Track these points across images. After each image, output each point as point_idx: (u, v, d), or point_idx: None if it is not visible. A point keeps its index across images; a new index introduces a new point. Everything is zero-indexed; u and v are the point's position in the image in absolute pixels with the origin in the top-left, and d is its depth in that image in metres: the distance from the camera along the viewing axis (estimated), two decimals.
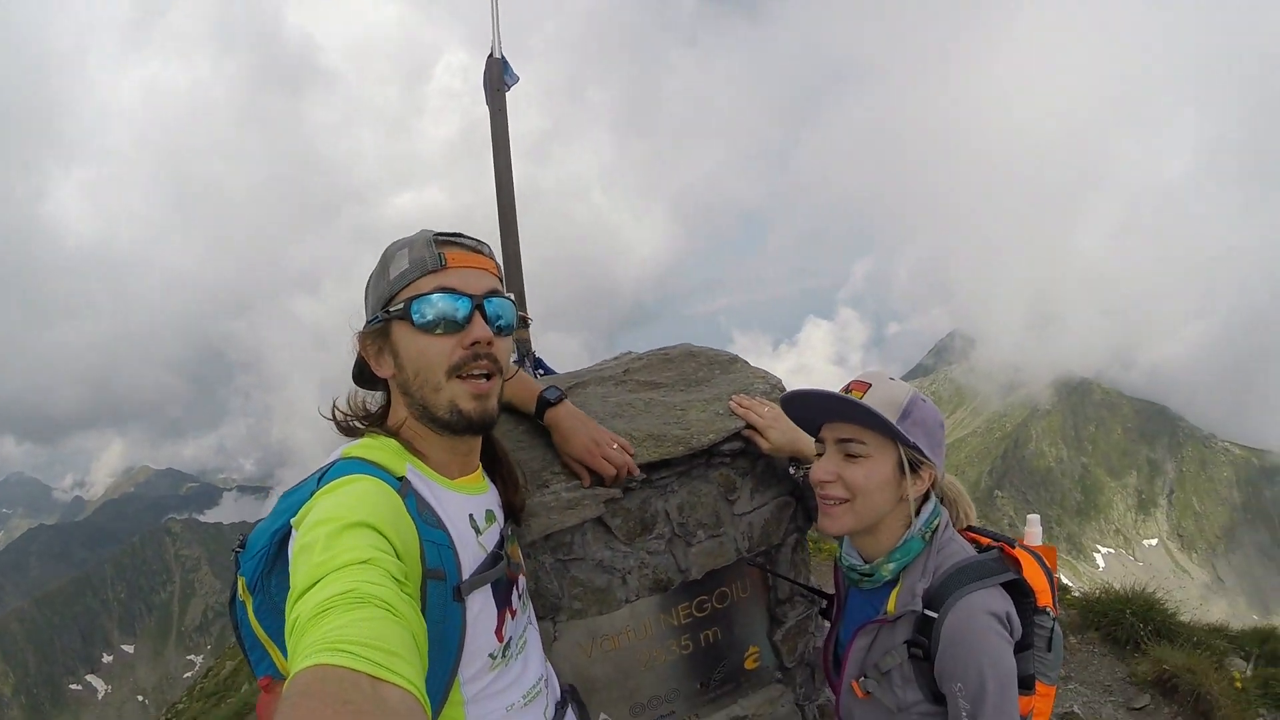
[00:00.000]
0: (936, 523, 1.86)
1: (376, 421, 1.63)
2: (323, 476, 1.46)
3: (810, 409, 1.87)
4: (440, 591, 1.43)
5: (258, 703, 1.69)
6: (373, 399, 1.70)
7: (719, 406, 2.43)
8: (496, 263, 1.68)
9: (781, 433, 2.34)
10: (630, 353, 2.90)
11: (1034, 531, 2.24)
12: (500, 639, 1.58)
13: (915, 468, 1.82)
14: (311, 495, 1.40)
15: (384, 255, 1.62)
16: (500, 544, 1.66)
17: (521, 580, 1.75)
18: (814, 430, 1.90)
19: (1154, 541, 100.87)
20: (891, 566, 1.83)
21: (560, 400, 2.16)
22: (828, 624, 2.15)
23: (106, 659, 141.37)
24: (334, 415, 1.65)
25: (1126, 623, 6.76)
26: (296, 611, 1.13)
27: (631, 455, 2.15)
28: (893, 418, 1.78)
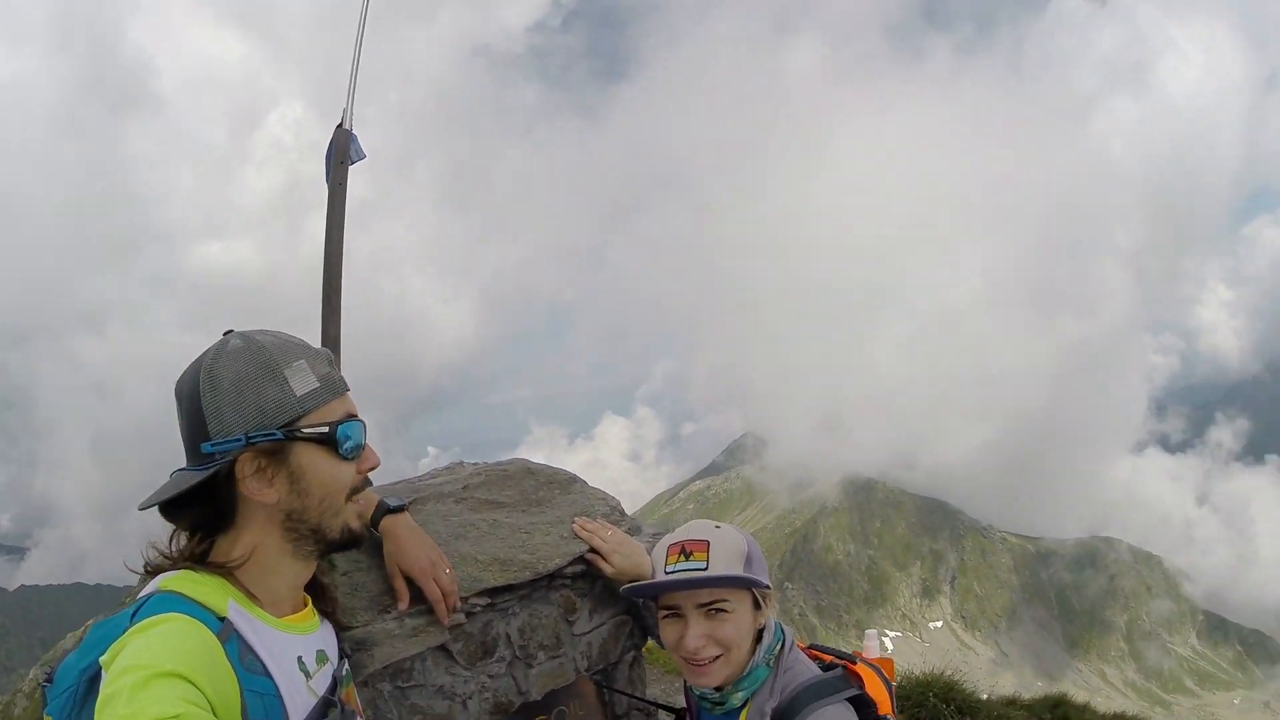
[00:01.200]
0: (779, 647, 1.98)
1: (199, 559, 1.44)
2: (137, 611, 1.32)
3: (659, 589, 1.95)
4: None
5: None
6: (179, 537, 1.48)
7: (563, 530, 2.46)
8: None
9: (625, 557, 2.39)
10: (462, 464, 2.88)
11: (871, 645, 2.41)
12: None
13: (761, 603, 1.95)
14: (124, 631, 1.28)
15: (265, 360, 1.43)
16: (333, 688, 1.53)
17: None
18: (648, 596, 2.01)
19: (939, 624, 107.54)
20: (740, 695, 1.92)
21: (402, 510, 2.10)
22: None
23: None
24: (146, 568, 1.46)
25: (930, 704, 7.21)
26: None
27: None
28: (741, 567, 1.89)
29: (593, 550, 2.42)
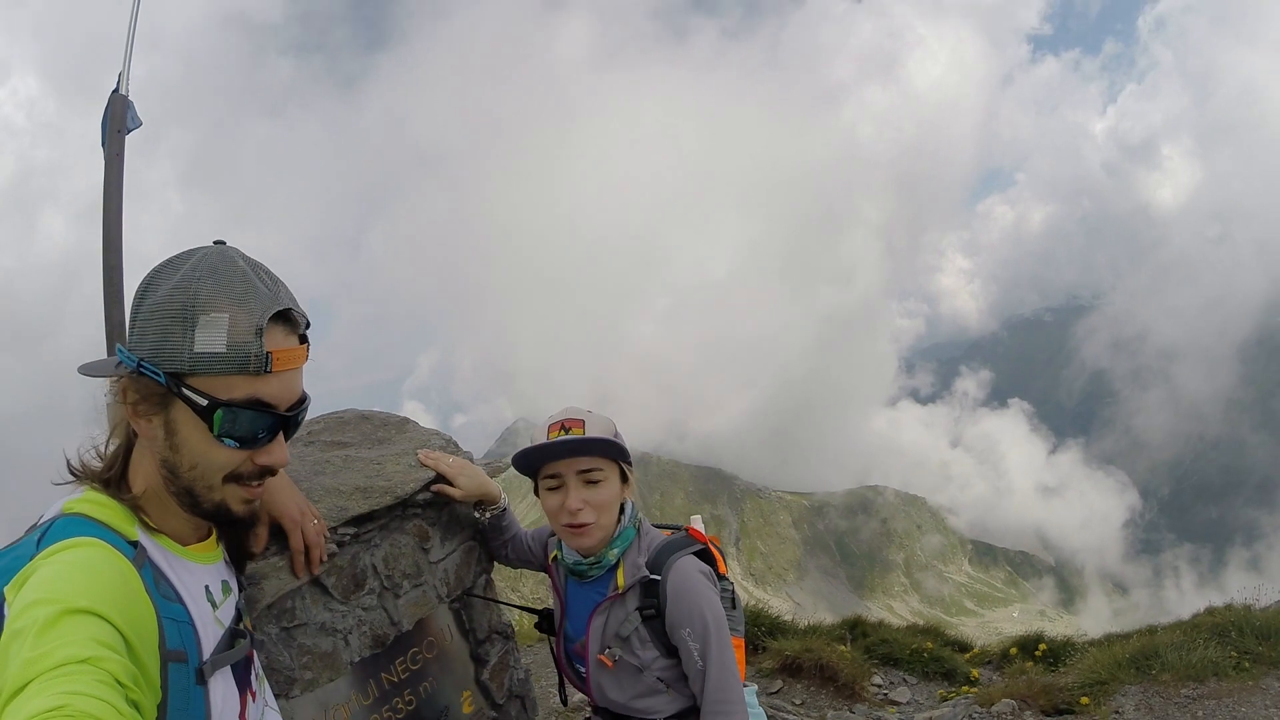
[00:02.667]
0: (640, 515, 2.34)
1: (114, 484, 1.38)
2: (43, 536, 1.23)
3: (545, 456, 2.20)
4: (182, 675, 1.27)
5: None
6: (90, 452, 1.41)
7: (410, 460, 2.60)
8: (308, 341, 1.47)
9: (470, 479, 2.60)
10: None
11: (698, 528, 2.76)
12: None
13: (628, 476, 2.29)
14: (30, 559, 1.18)
15: (188, 299, 1.30)
16: (237, 619, 1.51)
17: (257, 658, 1.60)
18: (532, 472, 2.26)
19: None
20: (615, 551, 2.25)
21: None
22: (550, 637, 2.47)
23: None
24: (72, 471, 1.39)
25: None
26: None
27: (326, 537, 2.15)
28: (612, 439, 2.21)
29: (440, 477, 2.59)
